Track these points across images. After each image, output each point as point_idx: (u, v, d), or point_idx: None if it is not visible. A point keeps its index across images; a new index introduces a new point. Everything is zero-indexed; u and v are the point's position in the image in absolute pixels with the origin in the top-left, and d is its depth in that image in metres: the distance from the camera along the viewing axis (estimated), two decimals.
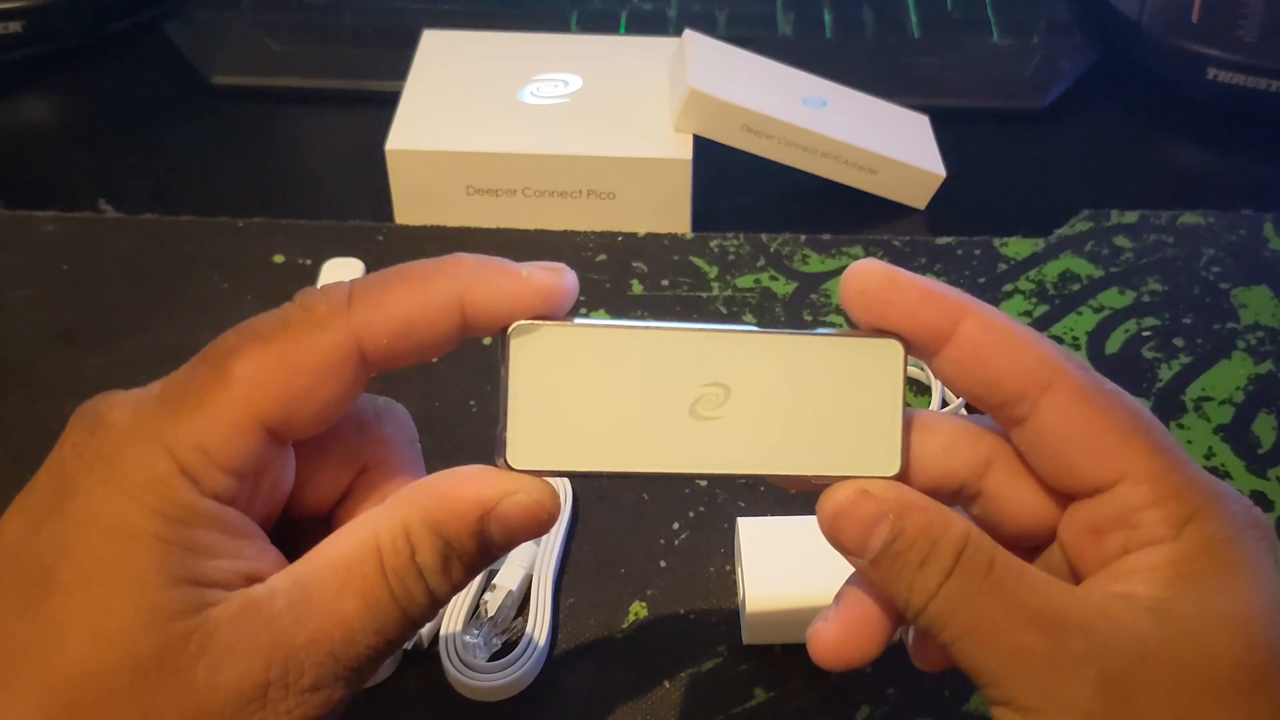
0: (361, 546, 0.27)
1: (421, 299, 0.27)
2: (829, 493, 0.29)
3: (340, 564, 0.27)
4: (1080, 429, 0.28)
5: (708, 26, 0.68)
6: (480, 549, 0.28)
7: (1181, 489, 0.27)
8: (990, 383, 0.28)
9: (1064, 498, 0.30)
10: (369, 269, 0.54)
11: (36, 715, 0.25)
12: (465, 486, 0.28)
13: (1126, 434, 0.28)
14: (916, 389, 0.50)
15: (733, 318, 0.54)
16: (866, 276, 0.28)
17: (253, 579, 0.27)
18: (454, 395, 0.50)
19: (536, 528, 0.28)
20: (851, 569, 0.30)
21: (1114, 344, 0.53)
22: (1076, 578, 0.30)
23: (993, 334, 0.28)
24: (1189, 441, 0.49)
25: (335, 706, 0.27)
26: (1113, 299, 0.55)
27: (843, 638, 0.30)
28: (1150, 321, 0.54)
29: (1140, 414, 0.28)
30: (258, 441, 0.27)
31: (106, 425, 0.26)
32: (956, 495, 0.30)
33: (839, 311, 0.54)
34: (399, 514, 0.27)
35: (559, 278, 0.28)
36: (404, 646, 0.41)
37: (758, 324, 0.27)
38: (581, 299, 0.55)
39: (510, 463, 0.28)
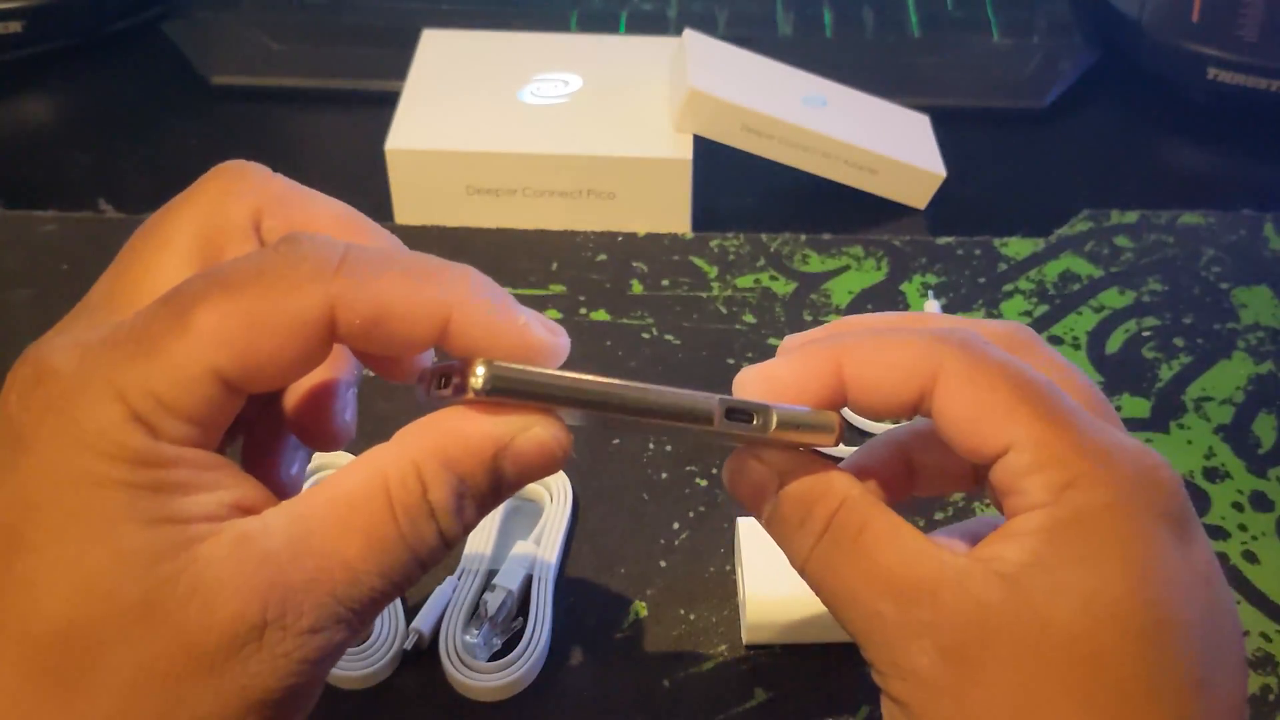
0: (367, 484, 0.26)
1: (409, 298, 0.26)
2: (731, 457, 0.31)
3: (343, 501, 0.26)
4: (966, 409, 0.28)
5: (708, 26, 0.68)
6: (493, 487, 0.27)
7: (1064, 455, 0.27)
8: (890, 404, 0.29)
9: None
10: None
11: (17, 679, 0.24)
12: (475, 423, 0.27)
13: (1011, 405, 0.28)
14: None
15: (733, 318, 0.54)
16: (747, 385, 0.30)
17: (243, 509, 0.26)
18: None
19: (551, 464, 0.27)
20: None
21: (1114, 344, 0.53)
22: None
23: (871, 365, 0.29)
24: (1189, 442, 0.49)
25: (335, 650, 0.26)
26: (1113, 299, 0.55)
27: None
28: (1150, 321, 0.54)
29: (1031, 383, 0.28)
30: (215, 393, 0.25)
31: (52, 372, 0.25)
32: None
33: (839, 311, 0.54)
34: (407, 451, 0.26)
35: (555, 338, 0.28)
36: (404, 646, 0.41)
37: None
38: (581, 299, 0.55)
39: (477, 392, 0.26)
